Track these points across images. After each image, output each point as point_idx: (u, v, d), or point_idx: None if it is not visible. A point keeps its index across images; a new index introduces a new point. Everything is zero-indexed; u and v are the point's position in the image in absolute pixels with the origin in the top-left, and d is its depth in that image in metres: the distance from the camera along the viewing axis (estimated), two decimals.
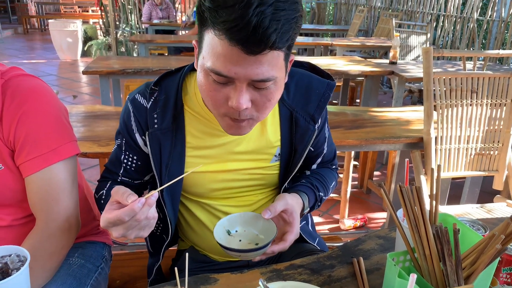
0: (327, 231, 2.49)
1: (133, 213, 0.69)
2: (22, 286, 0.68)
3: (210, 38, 0.72)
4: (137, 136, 0.94)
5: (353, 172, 3.10)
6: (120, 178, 1.01)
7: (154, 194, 0.71)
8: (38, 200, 0.91)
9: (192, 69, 0.95)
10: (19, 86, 0.89)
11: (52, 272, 0.95)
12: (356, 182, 3.06)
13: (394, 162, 2.28)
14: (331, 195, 2.76)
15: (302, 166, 1.09)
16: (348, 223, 2.50)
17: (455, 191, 2.70)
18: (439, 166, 0.71)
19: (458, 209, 1.74)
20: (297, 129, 0.96)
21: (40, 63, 7.58)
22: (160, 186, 0.91)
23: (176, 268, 0.64)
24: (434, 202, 0.74)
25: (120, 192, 0.71)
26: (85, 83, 6.18)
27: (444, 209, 1.74)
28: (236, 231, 0.89)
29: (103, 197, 0.97)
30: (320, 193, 1.02)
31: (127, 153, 0.98)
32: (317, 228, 2.53)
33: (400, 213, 0.84)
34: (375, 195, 2.90)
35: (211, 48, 0.73)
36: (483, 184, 2.22)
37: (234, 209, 1.02)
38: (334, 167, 1.15)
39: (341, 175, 2.58)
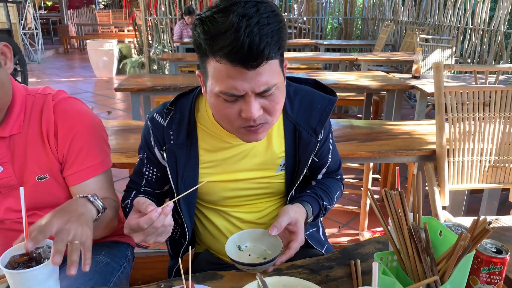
0: (346, 244, 2.53)
1: (151, 221, 0.79)
2: (52, 272, 0.79)
3: (213, 66, 0.84)
4: (156, 151, 1.06)
5: (374, 186, 3.14)
6: (142, 188, 1.14)
7: (170, 205, 0.82)
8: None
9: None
10: (70, 109, 1.08)
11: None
12: (378, 196, 3.09)
13: (413, 174, 2.31)
14: (352, 207, 2.80)
15: (308, 176, 1.18)
16: (367, 235, 2.53)
17: (474, 204, 2.68)
18: (418, 174, 0.77)
19: (466, 221, 1.75)
20: (300, 141, 1.05)
21: (78, 81, 8.00)
22: (177, 195, 1.03)
23: (180, 259, 0.73)
24: (417, 207, 0.80)
25: (140, 202, 0.82)
26: (119, 99, 6.47)
27: (459, 220, 1.76)
28: (246, 246, 0.98)
29: (128, 206, 1.11)
30: (324, 202, 1.10)
31: (148, 166, 1.10)
32: (336, 240, 2.58)
33: None
34: None
35: (216, 74, 0.84)
36: (502, 198, 2.21)
37: (245, 215, 1.12)
38: (339, 177, 1.23)
39: (361, 189, 2.63)
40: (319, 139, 1.06)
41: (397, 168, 0.91)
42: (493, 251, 0.78)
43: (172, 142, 1.03)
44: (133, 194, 1.12)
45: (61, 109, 1.06)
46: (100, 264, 1.15)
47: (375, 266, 0.60)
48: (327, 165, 1.16)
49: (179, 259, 0.75)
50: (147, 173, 1.11)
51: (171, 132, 1.03)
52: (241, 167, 1.06)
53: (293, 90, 1.07)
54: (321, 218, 1.21)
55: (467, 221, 1.76)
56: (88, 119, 1.10)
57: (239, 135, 0.95)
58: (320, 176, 1.18)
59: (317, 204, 1.08)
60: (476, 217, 0.66)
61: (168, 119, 1.04)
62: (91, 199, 0.96)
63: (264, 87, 0.84)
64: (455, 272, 0.71)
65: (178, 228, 1.16)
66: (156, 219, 0.80)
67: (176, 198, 0.89)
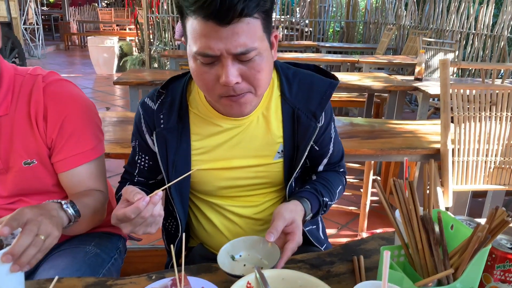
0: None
1: (138, 210, 0.74)
2: None
3: (190, 24, 0.80)
4: (147, 136, 1.01)
5: (374, 188, 3.09)
6: (136, 178, 1.08)
7: (158, 193, 0.76)
8: (76, 191, 1.04)
9: None
10: (62, 91, 1.02)
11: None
12: (376, 198, 3.04)
13: (415, 177, 2.27)
14: (351, 208, 2.75)
15: (309, 167, 1.12)
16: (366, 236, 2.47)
17: (476, 209, 2.63)
18: (430, 163, 0.73)
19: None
20: (299, 126, 0.99)
21: (78, 77, 7.95)
22: (168, 182, 0.97)
23: (172, 246, 0.68)
24: (428, 193, 0.75)
25: (128, 191, 0.77)
26: (118, 96, 6.42)
27: None
28: (240, 255, 0.89)
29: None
30: (324, 199, 1.03)
31: (140, 153, 1.05)
32: (335, 240, 2.53)
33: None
34: (396, 210, 2.86)
35: (192, 33, 0.80)
36: (505, 202, 2.17)
37: (242, 209, 1.06)
38: (342, 170, 1.16)
39: (361, 190, 2.58)
40: (320, 124, 1.00)
41: (405, 158, 0.86)
42: (508, 247, 0.73)
43: (162, 126, 0.97)
44: (126, 185, 1.06)
45: (51, 90, 1.00)
46: (89, 255, 1.09)
47: (387, 255, 0.55)
48: (329, 155, 1.10)
49: (171, 246, 0.69)
50: (139, 161, 1.06)
51: (162, 116, 0.97)
52: (236, 154, 1.00)
53: (292, 73, 1.02)
54: (322, 216, 1.14)
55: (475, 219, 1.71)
56: (81, 102, 1.04)
57: (222, 107, 0.90)
58: (321, 168, 1.12)
59: (317, 201, 1.01)
60: (494, 207, 0.61)
61: (158, 102, 0.99)
62: (64, 206, 0.89)
63: (241, 48, 0.78)
64: (469, 267, 0.66)
65: (173, 220, 1.11)
66: (143, 208, 0.74)
67: (165, 186, 0.83)
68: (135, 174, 1.08)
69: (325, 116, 1.02)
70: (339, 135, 1.14)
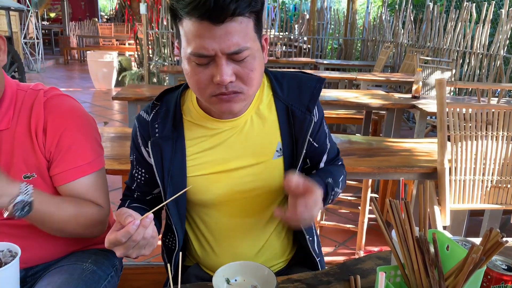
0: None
1: (128, 234, 0.74)
2: (12, 277, 0.75)
3: (184, 26, 0.83)
4: (143, 149, 1.02)
5: (373, 202, 3.08)
6: (136, 194, 1.09)
7: (149, 216, 0.76)
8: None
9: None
10: (62, 105, 1.04)
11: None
12: (373, 216, 3.03)
13: (412, 195, 2.27)
14: (349, 226, 2.74)
15: (310, 168, 1.11)
16: (363, 255, 2.46)
17: (474, 227, 2.63)
18: (426, 183, 0.73)
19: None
20: (294, 120, 1.01)
21: (77, 91, 7.98)
22: (163, 192, 0.98)
23: (168, 265, 0.68)
24: (423, 217, 0.76)
25: (121, 214, 0.77)
26: (116, 110, 6.44)
27: None
28: (236, 280, 0.87)
29: None
30: (328, 180, 1.01)
31: (137, 167, 1.06)
32: (333, 258, 2.51)
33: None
34: (392, 229, 2.85)
35: (186, 34, 0.83)
36: (502, 221, 2.17)
37: (239, 219, 1.04)
38: (340, 163, 1.18)
39: (359, 207, 2.57)
40: (315, 119, 1.02)
41: (401, 178, 0.86)
42: (503, 268, 0.73)
43: (157, 135, 0.98)
44: (126, 203, 1.07)
45: (52, 105, 1.02)
46: (86, 272, 1.09)
47: (382, 276, 0.55)
48: (327, 151, 1.11)
49: (168, 265, 0.69)
50: (136, 175, 1.07)
51: (156, 125, 0.99)
52: (233, 155, 0.99)
53: (280, 74, 1.06)
54: (318, 231, 1.14)
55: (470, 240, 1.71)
56: (80, 116, 1.05)
57: (212, 106, 0.91)
58: (322, 165, 1.12)
59: (323, 183, 0.98)
60: (489, 229, 0.62)
61: (153, 112, 1.01)
62: (22, 187, 0.88)
63: (235, 48, 0.81)
64: None
65: (173, 236, 1.10)
66: (134, 231, 0.74)
67: (156, 208, 0.83)
68: (133, 188, 1.08)
69: (318, 112, 1.04)
70: None
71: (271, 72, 1.06)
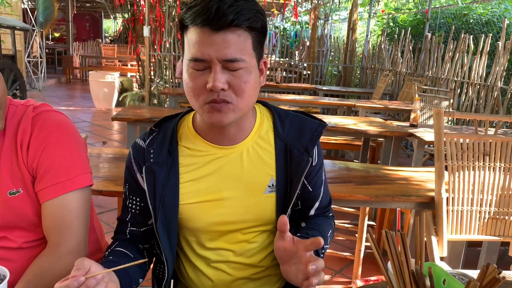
0: None
1: None
2: None
3: (188, 36, 0.89)
4: (137, 175, 1.01)
5: (369, 233, 3.06)
6: (128, 229, 1.05)
7: (97, 277, 0.74)
8: (53, 225, 0.98)
9: (188, 111, 1.07)
10: (47, 120, 1.01)
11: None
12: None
13: (410, 224, 2.25)
14: (345, 254, 2.71)
15: (300, 210, 1.10)
16: (360, 284, 2.42)
17: (472, 258, 2.60)
18: (422, 215, 0.73)
19: (470, 274, 1.68)
20: (291, 160, 1.01)
21: (77, 110, 8.01)
22: (155, 220, 0.96)
23: None
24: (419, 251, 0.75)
25: (76, 263, 0.76)
26: (115, 130, 6.45)
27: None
28: None
29: (104, 258, 0.99)
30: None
31: (131, 196, 1.04)
32: (329, 287, 2.47)
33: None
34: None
35: (189, 42, 0.88)
36: (501, 252, 2.14)
37: (231, 252, 1.03)
38: (331, 214, 1.17)
39: (356, 235, 2.55)
40: (313, 163, 1.03)
41: (398, 209, 0.85)
42: None
43: (152, 160, 0.98)
44: (115, 244, 1.02)
45: (39, 119, 1.00)
46: None
47: None
48: (320, 198, 1.10)
49: None
50: (130, 205, 1.04)
51: (152, 150, 0.99)
52: (226, 185, 0.99)
53: (284, 112, 1.07)
54: None
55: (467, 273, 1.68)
56: (65, 131, 1.02)
57: (204, 113, 0.91)
58: (312, 212, 1.11)
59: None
60: (486, 265, 0.61)
61: (150, 138, 1.01)
62: None
63: (230, 56, 0.85)
64: None
65: (162, 266, 1.09)
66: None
67: (111, 269, 0.79)
68: (127, 219, 1.05)
69: (318, 156, 1.05)
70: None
71: (275, 109, 1.07)
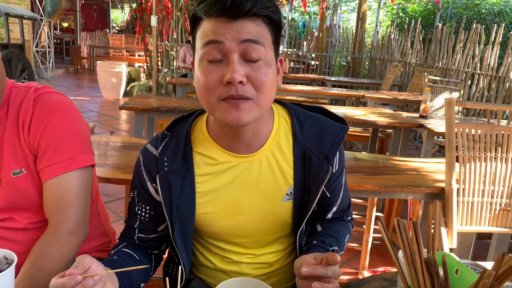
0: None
1: (62, 286, 0.69)
2: (7, 285, 0.73)
3: (201, 30, 0.82)
4: (148, 184, 0.96)
5: (377, 225, 3.04)
6: (136, 235, 1.01)
7: (95, 277, 0.71)
8: (53, 204, 0.99)
9: (202, 112, 1.01)
10: (49, 100, 1.02)
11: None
12: (379, 235, 2.98)
13: (419, 215, 2.23)
14: (353, 244, 2.70)
15: (316, 213, 1.06)
16: (367, 275, 2.41)
17: (481, 251, 2.58)
18: (435, 203, 0.71)
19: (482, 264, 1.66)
20: (310, 168, 0.94)
21: (84, 100, 8.05)
22: (172, 230, 0.92)
23: (167, 279, 0.66)
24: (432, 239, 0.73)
25: (77, 260, 0.73)
26: (123, 120, 6.47)
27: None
28: None
29: (109, 256, 0.97)
30: (334, 248, 0.98)
31: (140, 204, 0.99)
32: None
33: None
34: (399, 249, 2.80)
35: (203, 33, 0.81)
36: (511, 245, 2.12)
37: (246, 250, 1.01)
38: (349, 218, 1.12)
39: (363, 226, 2.54)
40: (334, 170, 0.96)
41: (410, 197, 0.84)
42: None
43: (166, 169, 0.92)
44: (122, 245, 1.00)
45: (40, 100, 1.01)
46: None
47: None
48: (338, 202, 1.05)
49: (166, 279, 0.67)
50: (139, 212, 1.00)
51: (165, 158, 0.93)
52: (244, 194, 0.95)
53: (303, 114, 0.99)
54: None
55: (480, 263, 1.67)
56: (66, 112, 1.02)
57: (220, 112, 0.82)
58: (330, 215, 1.07)
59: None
60: (501, 254, 0.59)
61: (162, 145, 0.95)
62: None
63: (250, 36, 0.78)
64: None
65: (175, 267, 1.08)
66: (70, 286, 0.69)
67: (111, 271, 0.78)
68: (136, 226, 1.01)
69: (339, 163, 0.98)
70: None
71: (294, 110, 0.99)
